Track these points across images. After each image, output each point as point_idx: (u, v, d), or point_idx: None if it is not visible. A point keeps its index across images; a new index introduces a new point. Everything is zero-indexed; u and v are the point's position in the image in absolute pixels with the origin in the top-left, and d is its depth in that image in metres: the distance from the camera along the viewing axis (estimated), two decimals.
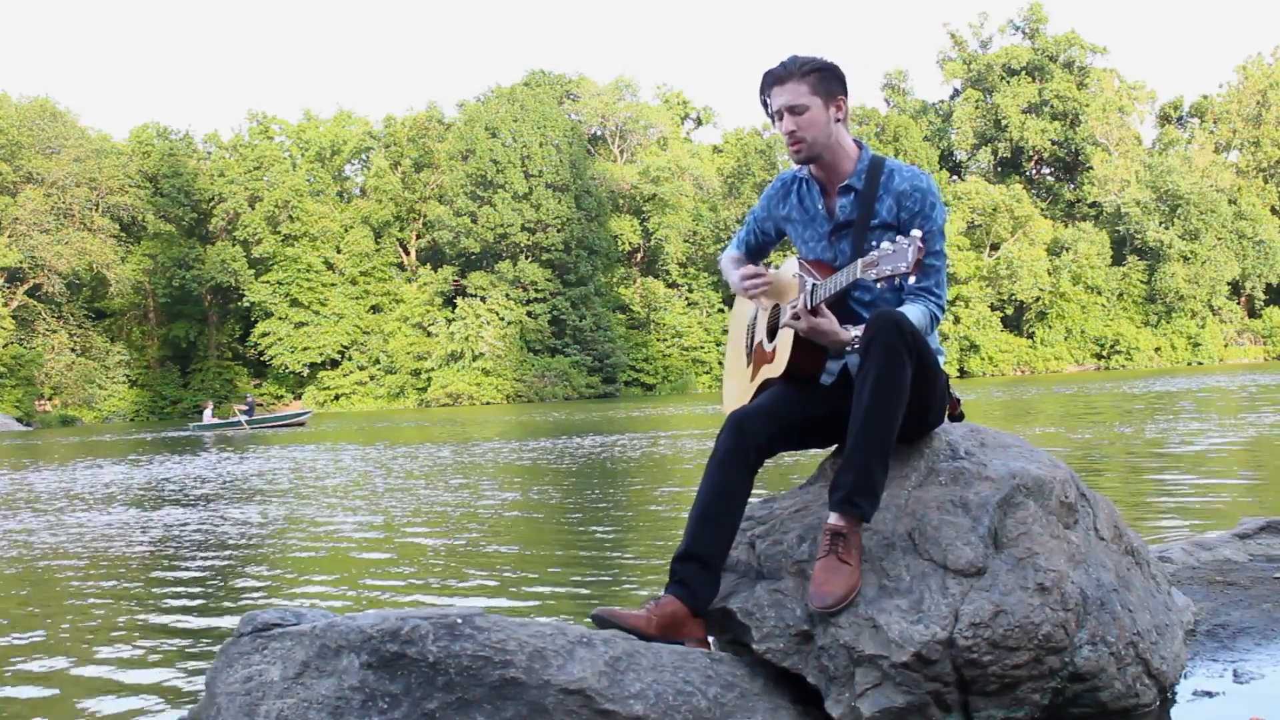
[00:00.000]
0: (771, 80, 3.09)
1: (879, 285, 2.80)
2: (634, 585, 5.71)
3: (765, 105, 3.15)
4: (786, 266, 3.20)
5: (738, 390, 3.39)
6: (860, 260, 2.78)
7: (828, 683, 2.71)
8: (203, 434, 34.01)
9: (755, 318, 3.38)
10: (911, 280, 2.70)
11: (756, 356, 3.32)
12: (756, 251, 3.49)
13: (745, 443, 2.98)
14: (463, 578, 6.24)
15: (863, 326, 2.89)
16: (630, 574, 6.07)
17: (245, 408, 40.06)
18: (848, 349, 2.97)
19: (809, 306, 2.94)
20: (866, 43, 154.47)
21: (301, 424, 38.39)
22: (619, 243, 69.79)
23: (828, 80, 3.07)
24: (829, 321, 2.93)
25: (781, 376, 3.12)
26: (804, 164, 3.15)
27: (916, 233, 2.68)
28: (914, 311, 2.97)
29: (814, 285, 2.96)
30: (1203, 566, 4.23)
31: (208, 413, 40.92)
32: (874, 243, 3.05)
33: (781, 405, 3.07)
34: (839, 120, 3.09)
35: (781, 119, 3.07)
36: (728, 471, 2.96)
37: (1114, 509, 3.25)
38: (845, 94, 3.10)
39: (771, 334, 3.24)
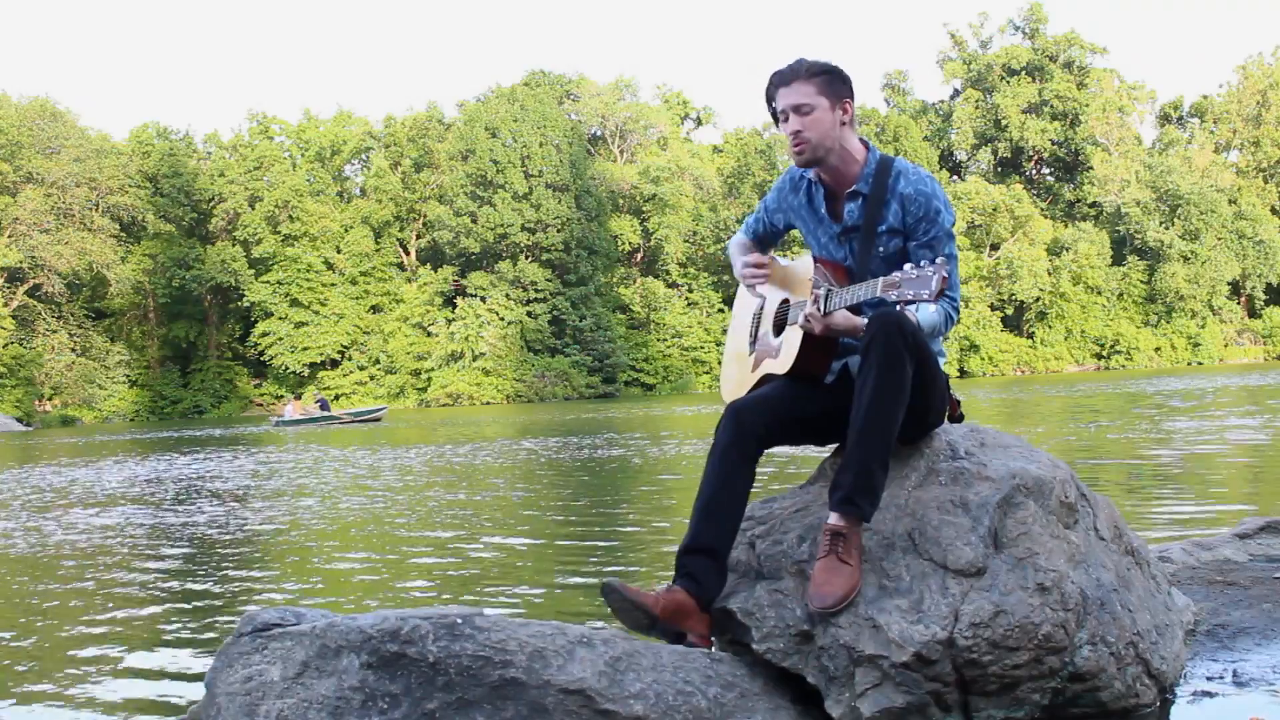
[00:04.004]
0: (778, 81, 3.08)
1: (898, 309, 2.81)
2: (635, 585, 5.71)
3: (772, 109, 3.14)
4: (803, 263, 3.19)
5: (737, 376, 3.38)
6: (882, 279, 2.78)
7: (828, 683, 2.71)
8: (284, 429, 34.71)
9: (763, 307, 3.35)
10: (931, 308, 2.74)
11: (760, 348, 3.31)
12: (764, 241, 3.47)
13: (744, 433, 2.99)
14: (463, 577, 6.24)
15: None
16: (631, 573, 6.06)
17: (319, 405, 41.91)
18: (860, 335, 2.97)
19: (823, 312, 2.95)
20: (866, 43, 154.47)
21: (378, 419, 39.39)
22: (619, 243, 69.76)
23: (834, 82, 3.06)
24: (842, 316, 2.95)
25: (785, 375, 3.13)
26: (806, 166, 3.13)
27: (941, 260, 2.68)
28: (930, 310, 2.97)
29: (829, 291, 2.96)
30: (1203, 566, 4.23)
31: (289, 409, 41.48)
32: (880, 248, 3.06)
33: (782, 400, 3.08)
34: (845, 123, 3.08)
35: (787, 119, 3.06)
36: (728, 462, 2.98)
37: (1114, 509, 3.25)
38: (852, 97, 3.09)
39: (779, 328, 3.24)
